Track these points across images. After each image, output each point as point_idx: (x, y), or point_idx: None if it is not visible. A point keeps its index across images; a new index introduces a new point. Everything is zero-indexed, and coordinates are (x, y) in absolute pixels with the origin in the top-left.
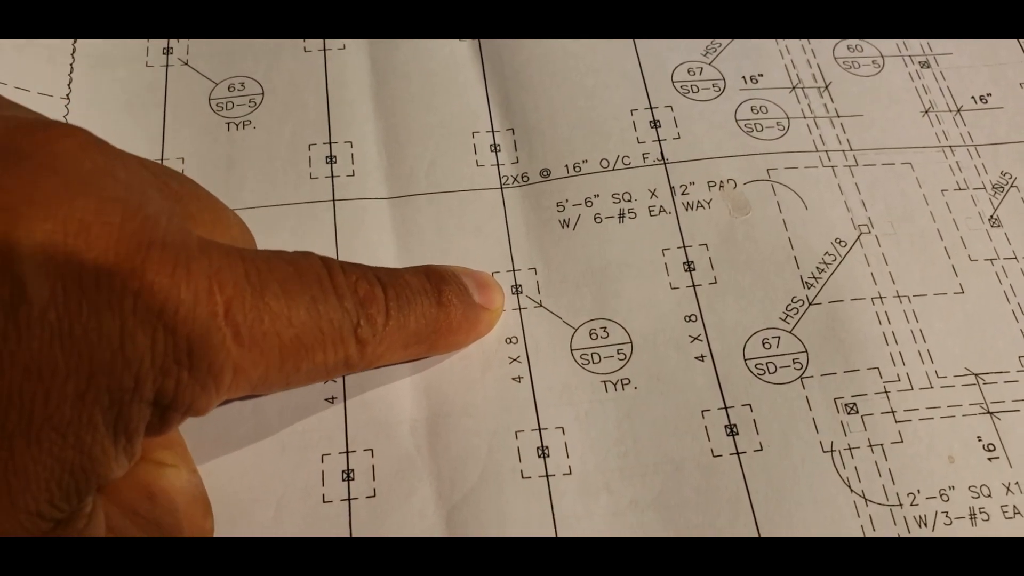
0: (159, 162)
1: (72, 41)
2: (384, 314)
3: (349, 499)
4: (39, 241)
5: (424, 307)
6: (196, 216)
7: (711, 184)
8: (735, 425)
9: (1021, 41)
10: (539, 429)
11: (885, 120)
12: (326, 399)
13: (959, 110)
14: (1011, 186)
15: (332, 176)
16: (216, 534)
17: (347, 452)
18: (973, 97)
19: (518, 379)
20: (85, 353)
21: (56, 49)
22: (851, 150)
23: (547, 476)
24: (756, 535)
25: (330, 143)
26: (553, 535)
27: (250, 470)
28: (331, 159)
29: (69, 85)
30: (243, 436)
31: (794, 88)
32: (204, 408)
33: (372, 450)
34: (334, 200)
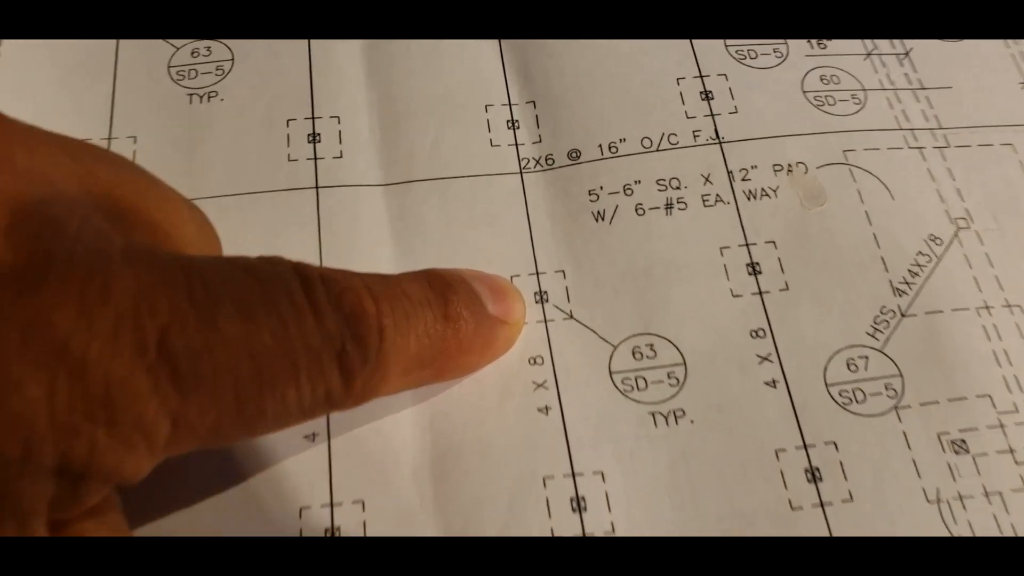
0: (102, 143)
1: None
2: (377, 334)
3: None
4: None
5: (427, 323)
6: (131, 214)
7: (777, 168)
8: (817, 469)
9: None
10: (572, 475)
11: (978, 93)
12: (305, 436)
13: None
14: None
15: (315, 158)
16: None
17: (331, 505)
18: None
19: (545, 410)
20: None
21: None
22: (940, 128)
23: (584, 535)
24: None
25: (313, 118)
26: None
27: (209, 530)
28: (314, 138)
29: None
30: (200, 485)
31: (869, 55)
32: (134, 474)
33: (363, 502)
34: (317, 187)
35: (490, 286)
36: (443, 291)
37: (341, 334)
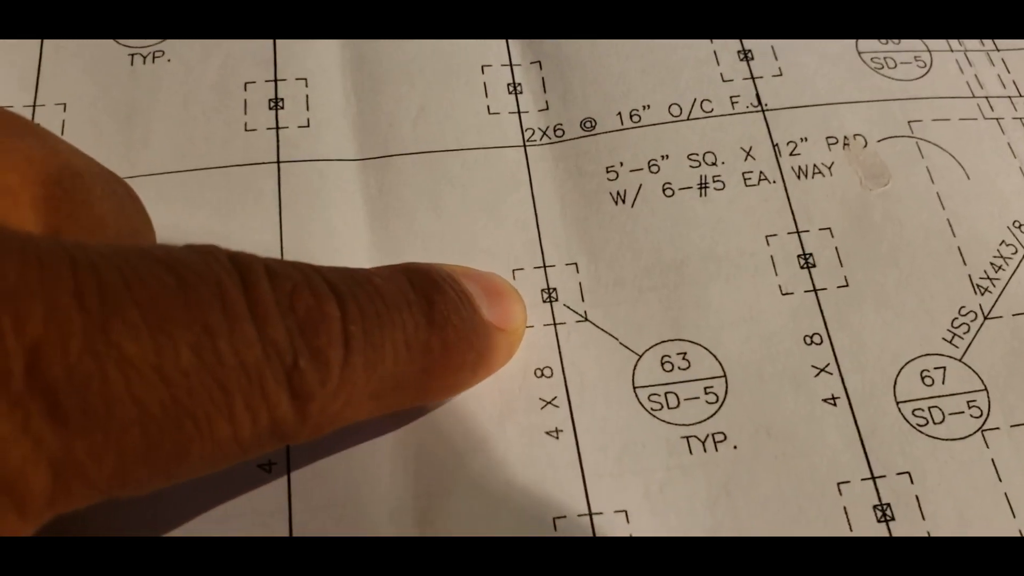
0: (25, 112)
1: None
2: (341, 345)
3: None
4: None
5: (407, 330)
6: (15, 189)
7: (831, 141)
8: (888, 505)
9: None
10: (590, 514)
11: None
12: (260, 466)
13: None
14: None
15: (277, 127)
16: None
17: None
18: None
19: (555, 433)
20: None
21: None
22: (1021, 96)
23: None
24: None
25: (275, 81)
26: None
27: None
28: (276, 103)
29: None
30: (134, 521)
31: None
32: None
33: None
34: (278, 162)
35: (484, 285)
36: (427, 290)
37: (292, 346)
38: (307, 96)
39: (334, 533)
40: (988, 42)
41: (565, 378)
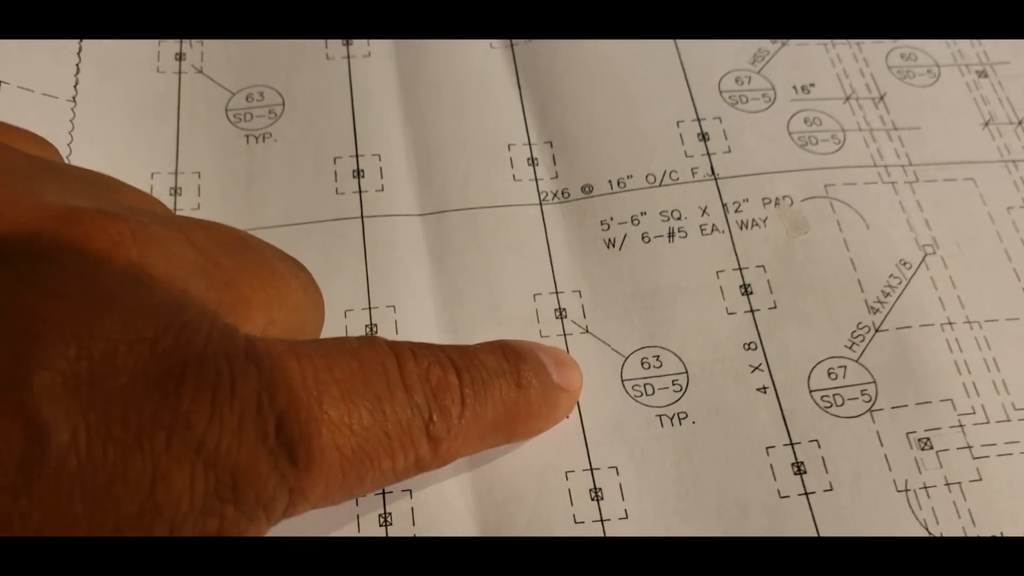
0: (169, 177)
1: (78, 40)
2: (459, 404)
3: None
4: (59, 371)
5: (503, 391)
6: (250, 298)
7: (766, 201)
8: (802, 463)
9: None
10: (591, 469)
11: (944, 133)
12: None
13: (1020, 122)
14: None
15: (360, 191)
16: None
17: (383, 493)
18: None
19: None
20: (110, 507)
21: (61, 48)
22: (910, 165)
23: (602, 520)
24: None
25: (357, 156)
26: None
27: None
28: (358, 173)
29: (75, 87)
30: None
31: (848, 99)
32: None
33: (410, 491)
34: (363, 217)
35: (554, 357)
36: (516, 362)
37: (428, 406)
38: (380, 167)
39: (412, 482)
40: (888, 122)
41: None
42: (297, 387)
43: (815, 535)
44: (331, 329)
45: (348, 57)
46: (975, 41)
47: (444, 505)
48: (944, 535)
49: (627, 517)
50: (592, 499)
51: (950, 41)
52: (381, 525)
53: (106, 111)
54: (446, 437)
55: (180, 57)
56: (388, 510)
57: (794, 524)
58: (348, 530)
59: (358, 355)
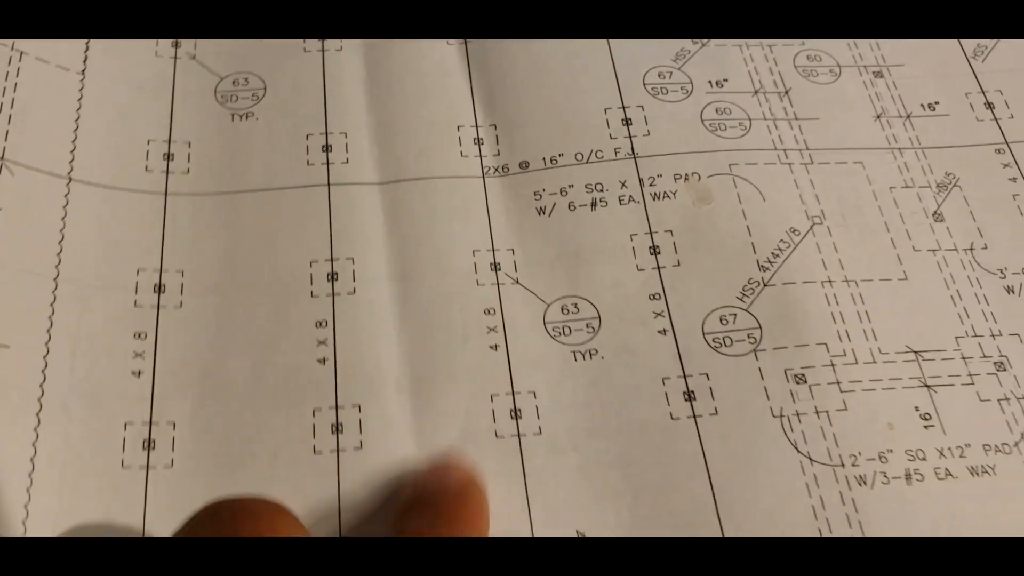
0: (163, 145)
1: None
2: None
3: (337, 450)
4: None
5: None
6: None
7: (677, 176)
8: (693, 392)
9: (967, 52)
10: (512, 393)
11: (840, 123)
12: (318, 360)
13: (908, 116)
14: (954, 185)
15: (328, 163)
16: (218, 490)
17: (336, 407)
18: (922, 104)
19: (495, 347)
20: None
21: None
22: (807, 149)
23: (519, 436)
24: (710, 490)
25: (326, 133)
26: (524, 491)
27: (248, 424)
28: (327, 148)
29: (84, 62)
30: (241, 394)
31: (756, 93)
32: None
33: (359, 405)
34: (329, 184)
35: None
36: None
37: None
38: (346, 144)
39: (362, 397)
40: (791, 113)
41: (503, 316)
42: None
43: (700, 452)
44: (300, 276)
45: (323, 50)
46: (874, 44)
47: (388, 419)
48: (810, 452)
49: (541, 433)
50: (512, 417)
51: (851, 44)
52: (332, 433)
53: (110, 86)
54: None
55: (176, 45)
56: (340, 420)
57: (683, 442)
58: (305, 436)
59: None
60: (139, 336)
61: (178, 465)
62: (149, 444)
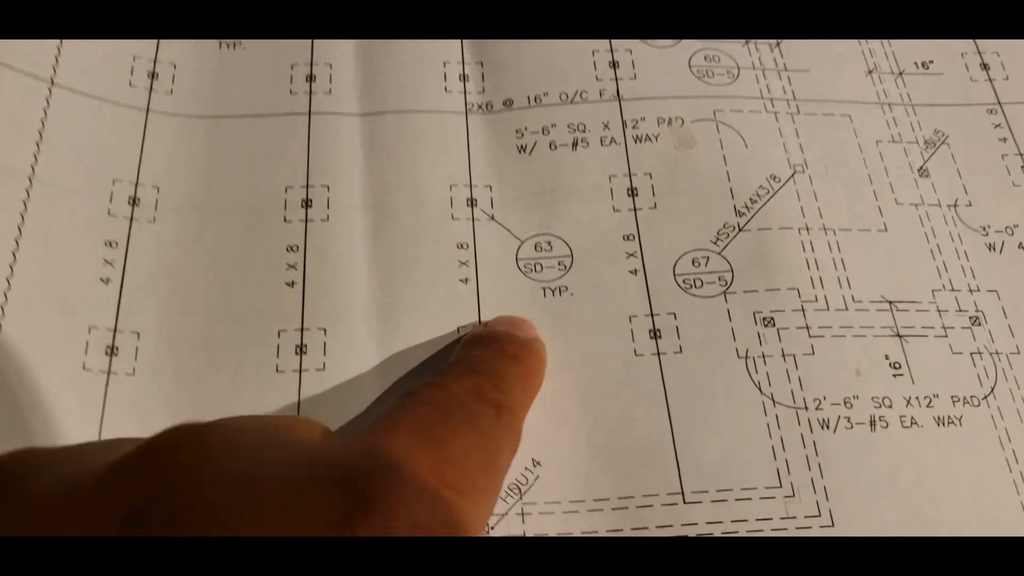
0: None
1: None
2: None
3: (300, 370)
4: None
5: (512, 369)
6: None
7: (661, 120)
8: (659, 330)
9: None
10: (480, 325)
11: (830, 76)
12: (287, 283)
13: (901, 73)
14: (943, 142)
15: (310, 93)
16: (179, 400)
17: (302, 329)
18: (916, 63)
19: (464, 281)
20: None
21: None
22: (795, 99)
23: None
24: (669, 427)
25: (311, 64)
26: None
27: (212, 340)
28: (311, 78)
29: None
30: (208, 310)
31: (747, 42)
32: None
33: (325, 329)
34: (310, 113)
35: (508, 323)
36: (498, 345)
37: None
38: (331, 75)
39: (328, 322)
40: (781, 64)
41: (475, 250)
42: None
43: (662, 387)
44: (275, 200)
45: None
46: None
47: (352, 343)
48: (774, 396)
49: None
50: None
51: None
52: (297, 354)
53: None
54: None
55: None
56: (305, 342)
57: (644, 377)
58: (269, 355)
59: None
60: (110, 244)
61: (140, 374)
62: (112, 350)
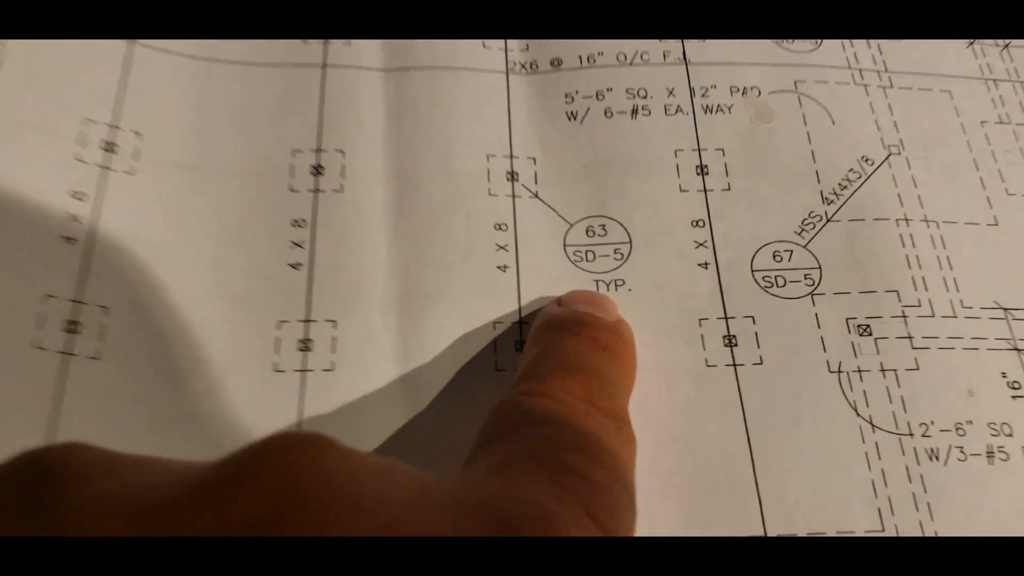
0: None
1: None
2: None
3: (304, 370)
4: None
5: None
6: None
7: (734, 89)
8: (735, 336)
9: None
10: (520, 322)
11: (926, 46)
12: (290, 264)
13: (1007, 45)
14: None
15: (326, 41)
16: (155, 396)
17: (307, 321)
18: None
19: (503, 268)
20: None
21: None
22: (886, 71)
23: None
24: (748, 451)
25: None
26: None
27: (198, 327)
28: None
29: None
30: (192, 290)
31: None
32: None
33: (335, 321)
34: (325, 65)
35: (587, 301)
36: (587, 332)
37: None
38: None
39: (338, 313)
40: None
41: (516, 233)
42: None
43: (739, 404)
44: (279, 165)
45: None
46: None
47: (368, 339)
48: (872, 418)
49: None
50: (516, 349)
51: None
52: (300, 351)
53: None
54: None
55: None
56: (310, 336)
57: (718, 391)
58: (266, 351)
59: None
60: (77, 196)
61: (105, 359)
62: (73, 326)
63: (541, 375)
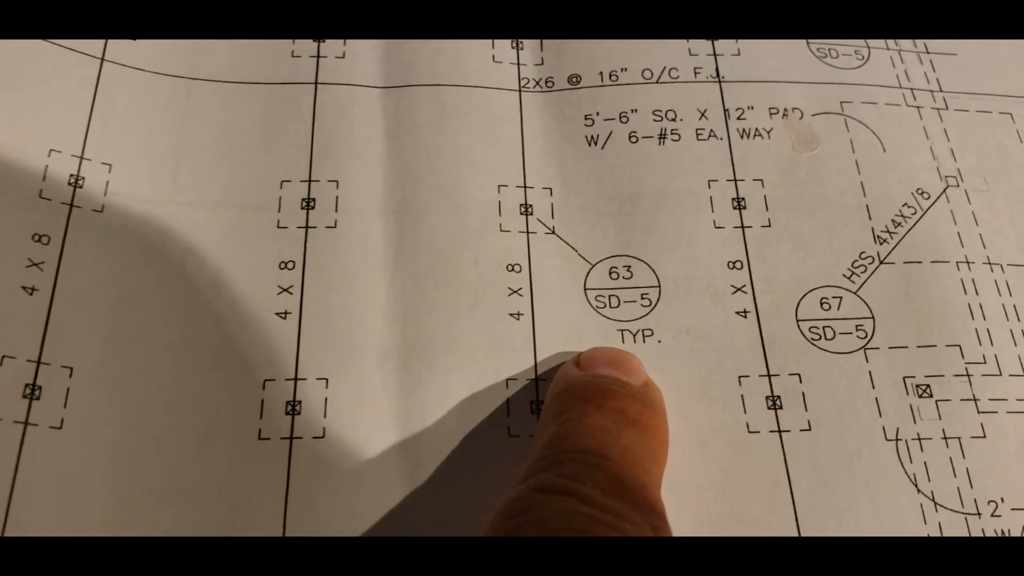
0: None
1: None
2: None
3: (291, 437)
4: None
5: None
6: None
7: (773, 111)
8: (779, 397)
9: None
10: (536, 379)
11: (983, 62)
12: (277, 314)
13: None
14: None
15: (318, 56)
16: (123, 470)
17: (295, 379)
18: None
19: (516, 315)
20: None
21: None
22: (940, 91)
23: None
24: (796, 532)
25: None
26: None
27: (174, 388)
28: (320, 39)
29: None
30: (166, 345)
31: None
32: None
33: (327, 379)
34: (316, 83)
35: (610, 360)
36: (614, 402)
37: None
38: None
39: (330, 370)
40: (920, 43)
41: (531, 274)
42: None
43: (785, 478)
44: (266, 198)
45: None
46: None
47: (363, 399)
48: (934, 493)
49: None
50: (532, 411)
51: None
52: (288, 414)
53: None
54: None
55: None
56: (298, 397)
57: (761, 463)
58: (250, 414)
59: None
60: (39, 239)
61: (68, 428)
62: (33, 391)
63: (561, 461)
